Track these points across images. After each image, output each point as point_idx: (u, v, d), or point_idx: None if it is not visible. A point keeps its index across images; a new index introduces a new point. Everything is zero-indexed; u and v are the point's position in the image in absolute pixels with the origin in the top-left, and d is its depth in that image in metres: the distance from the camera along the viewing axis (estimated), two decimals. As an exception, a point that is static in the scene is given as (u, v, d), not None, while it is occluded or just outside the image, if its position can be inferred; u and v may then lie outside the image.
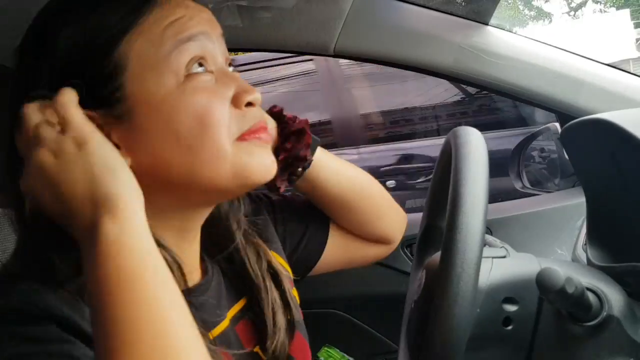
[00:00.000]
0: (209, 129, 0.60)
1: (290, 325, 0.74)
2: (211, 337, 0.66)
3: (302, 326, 0.80)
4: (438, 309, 0.67)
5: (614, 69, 1.22)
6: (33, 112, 0.56)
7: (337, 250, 0.97)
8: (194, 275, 0.71)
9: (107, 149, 0.55)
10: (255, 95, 0.64)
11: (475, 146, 0.74)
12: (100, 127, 0.58)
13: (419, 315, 0.86)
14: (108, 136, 0.58)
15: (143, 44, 0.60)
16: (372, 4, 1.23)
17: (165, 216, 0.65)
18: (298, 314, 0.79)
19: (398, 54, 1.27)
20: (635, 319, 0.78)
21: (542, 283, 0.70)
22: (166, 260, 0.56)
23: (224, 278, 0.75)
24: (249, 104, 0.64)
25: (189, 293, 0.63)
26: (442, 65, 1.25)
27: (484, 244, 0.69)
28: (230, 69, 0.68)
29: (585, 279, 0.77)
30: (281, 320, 0.73)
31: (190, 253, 0.70)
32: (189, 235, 0.69)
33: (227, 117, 0.62)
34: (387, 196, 0.98)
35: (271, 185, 0.80)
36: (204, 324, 0.64)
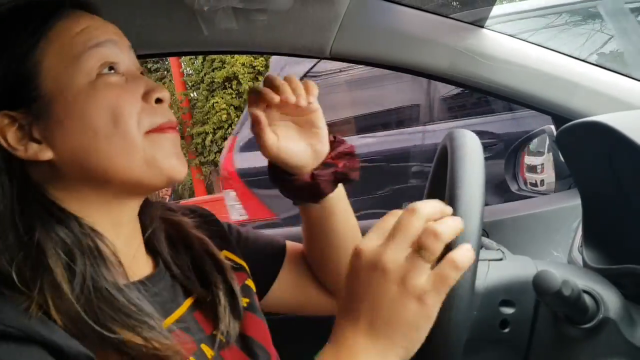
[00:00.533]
0: (121, 120, 0.66)
1: (237, 311, 0.78)
2: (170, 322, 0.71)
3: (256, 309, 0.85)
4: (434, 312, 0.67)
5: (608, 71, 1.22)
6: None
7: (289, 289, 0.97)
8: (145, 267, 0.76)
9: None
10: (164, 93, 0.71)
11: (471, 148, 0.74)
12: (21, 125, 0.65)
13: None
14: (30, 133, 0.65)
15: (54, 50, 0.67)
16: (367, 6, 1.23)
17: (96, 207, 0.69)
18: (253, 299, 0.86)
19: (394, 57, 1.27)
20: (632, 321, 0.78)
21: (539, 286, 0.70)
22: (101, 247, 0.65)
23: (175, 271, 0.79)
24: (158, 100, 0.70)
25: (142, 284, 0.69)
26: (438, 68, 1.25)
27: (481, 246, 0.69)
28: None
29: (582, 282, 0.77)
30: (229, 306, 0.77)
31: (133, 245, 0.74)
32: (125, 229, 0.73)
33: (137, 110, 0.68)
34: None
35: (315, 190, 0.85)
36: (162, 311, 0.69)
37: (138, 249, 0.76)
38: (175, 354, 0.63)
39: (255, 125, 0.80)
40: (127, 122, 0.66)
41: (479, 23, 1.25)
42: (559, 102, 1.22)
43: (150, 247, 0.79)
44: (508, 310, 0.79)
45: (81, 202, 0.68)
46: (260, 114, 0.79)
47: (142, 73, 0.75)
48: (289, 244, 0.99)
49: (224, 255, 0.85)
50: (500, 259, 0.83)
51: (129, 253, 0.72)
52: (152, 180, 0.69)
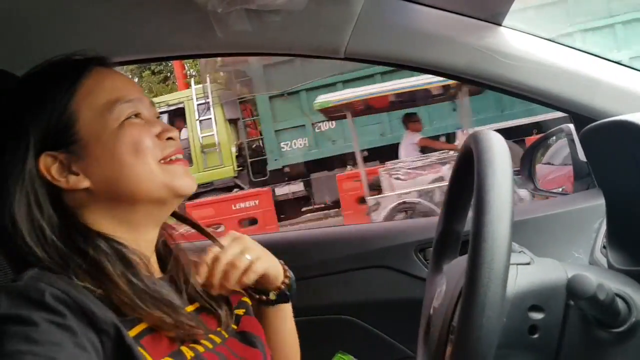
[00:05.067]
0: (140, 151, 0.84)
1: (232, 315, 0.96)
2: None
3: (249, 309, 1.02)
4: (465, 319, 0.65)
5: (631, 69, 1.20)
6: None
7: None
8: (157, 271, 0.92)
9: None
10: (174, 133, 0.90)
11: (499, 152, 0.72)
12: (61, 162, 0.83)
13: (440, 322, 0.85)
14: (69, 168, 0.83)
15: (88, 102, 0.84)
16: (383, 5, 1.21)
17: (125, 226, 0.87)
18: (249, 309, 1.02)
19: (410, 56, 1.25)
20: None
21: (574, 290, 0.68)
22: (129, 253, 0.83)
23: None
24: (169, 138, 0.89)
25: (160, 284, 0.85)
26: (455, 67, 1.23)
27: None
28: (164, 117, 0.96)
29: (614, 285, 0.75)
30: (226, 311, 0.95)
31: (151, 255, 0.91)
32: (145, 243, 0.90)
33: (152, 145, 0.86)
34: None
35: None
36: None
37: (154, 258, 0.94)
38: (198, 330, 0.83)
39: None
40: (145, 153, 0.84)
41: (497, 20, 1.23)
42: (580, 101, 1.20)
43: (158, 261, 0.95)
44: (537, 316, 0.77)
45: (110, 222, 0.86)
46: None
47: (157, 117, 0.92)
48: None
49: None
50: (528, 263, 0.81)
51: (149, 259, 0.89)
52: (168, 197, 0.88)
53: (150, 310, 0.78)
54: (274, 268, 0.98)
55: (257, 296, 1.01)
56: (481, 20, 1.23)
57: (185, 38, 1.28)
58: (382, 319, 1.50)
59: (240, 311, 1.00)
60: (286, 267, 1.02)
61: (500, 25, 1.23)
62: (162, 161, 0.87)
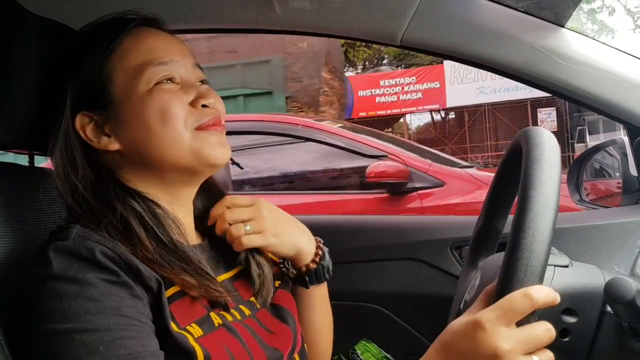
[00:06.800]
0: (168, 120, 0.81)
1: (268, 284, 0.93)
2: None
3: (288, 289, 1.00)
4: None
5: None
6: None
7: None
8: (196, 239, 0.92)
9: None
10: (210, 100, 0.85)
11: (549, 149, 0.71)
12: (96, 123, 0.83)
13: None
14: (102, 129, 0.83)
15: (123, 64, 0.83)
16: (445, -5, 1.20)
17: (158, 189, 0.86)
18: (286, 282, 1.00)
19: (466, 50, 1.24)
20: None
21: (612, 293, 0.67)
22: (166, 217, 0.83)
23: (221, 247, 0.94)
24: (204, 106, 0.85)
25: (190, 249, 0.84)
26: (512, 65, 1.21)
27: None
28: (203, 82, 0.89)
29: None
30: (262, 280, 0.93)
31: (186, 220, 0.90)
32: (181, 207, 0.89)
33: (184, 113, 0.83)
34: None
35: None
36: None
37: (191, 225, 0.92)
38: (224, 296, 0.81)
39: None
40: (174, 121, 0.82)
41: (559, 21, 1.20)
42: (638, 112, 1.17)
43: (199, 226, 0.94)
44: (570, 319, 0.76)
45: (145, 183, 0.85)
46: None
47: (203, 82, 0.89)
48: None
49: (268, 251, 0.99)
50: (567, 266, 0.80)
51: (187, 225, 0.89)
52: (198, 166, 0.85)
53: (175, 270, 0.77)
54: (287, 246, 0.95)
55: (282, 269, 0.99)
56: (543, 19, 1.21)
57: (242, 11, 1.29)
58: (410, 311, 1.50)
59: (276, 283, 0.98)
60: (323, 249, 1.00)
61: (562, 26, 1.20)
62: (197, 129, 0.84)
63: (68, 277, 0.69)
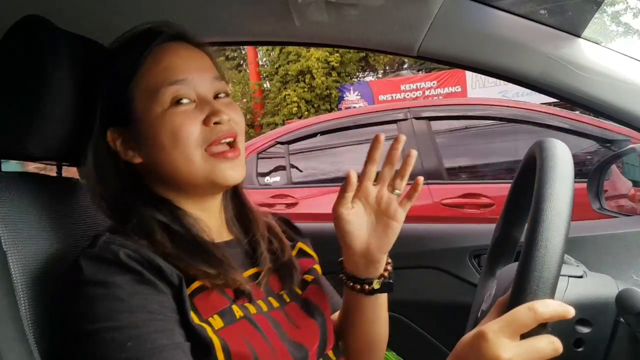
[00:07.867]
0: (179, 141, 0.85)
1: (294, 278, 0.96)
2: (245, 276, 0.89)
3: (321, 285, 1.01)
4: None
5: None
6: None
7: None
8: (222, 235, 0.95)
9: None
10: (222, 117, 0.87)
11: (562, 161, 0.72)
12: (124, 137, 0.88)
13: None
14: (127, 143, 0.88)
15: (143, 84, 0.87)
16: (461, 6, 1.21)
17: (183, 197, 0.90)
18: (319, 278, 1.03)
19: (483, 60, 1.25)
20: None
21: (623, 304, 0.67)
22: (188, 221, 0.88)
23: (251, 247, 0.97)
24: (216, 123, 0.87)
25: (218, 245, 0.88)
26: (529, 75, 1.22)
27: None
28: (223, 95, 0.92)
29: None
30: (290, 273, 0.96)
31: (215, 222, 0.94)
32: (204, 213, 0.92)
33: (196, 133, 0.86)
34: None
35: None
36: (238, 266, 0.88)
37: (221, 225, 0.97)
38: (242, 285, 0.84)
39: (346, 183, 0.89)
40: (185, 143, 0.85)
41: (575, 31, 1.21)
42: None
43: (230, 227, 0.98)
44: (584, 330, 0.76)
45: (168, 192, 0.90)
46: (354, 175, 0.89)
47: (217, 95, 0.91)
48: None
49: (298, 246, 1.05)
50: (581, 276, 0.80)
51: (214, 226, 0.93)
52: (208, 186, 0.88)
53: (192, 262, 0.82)
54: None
55: (360, 286, 0.95)
56: (559, 30, 1.21)
57: (263, 25, 1.32)
58: (429, 319, 1.51)
59: (309, 277, 1.00)
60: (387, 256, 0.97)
61: (578, 36, 1.20)
62: (208, 149, 0.86)
63: (98, 280, 0.74)
